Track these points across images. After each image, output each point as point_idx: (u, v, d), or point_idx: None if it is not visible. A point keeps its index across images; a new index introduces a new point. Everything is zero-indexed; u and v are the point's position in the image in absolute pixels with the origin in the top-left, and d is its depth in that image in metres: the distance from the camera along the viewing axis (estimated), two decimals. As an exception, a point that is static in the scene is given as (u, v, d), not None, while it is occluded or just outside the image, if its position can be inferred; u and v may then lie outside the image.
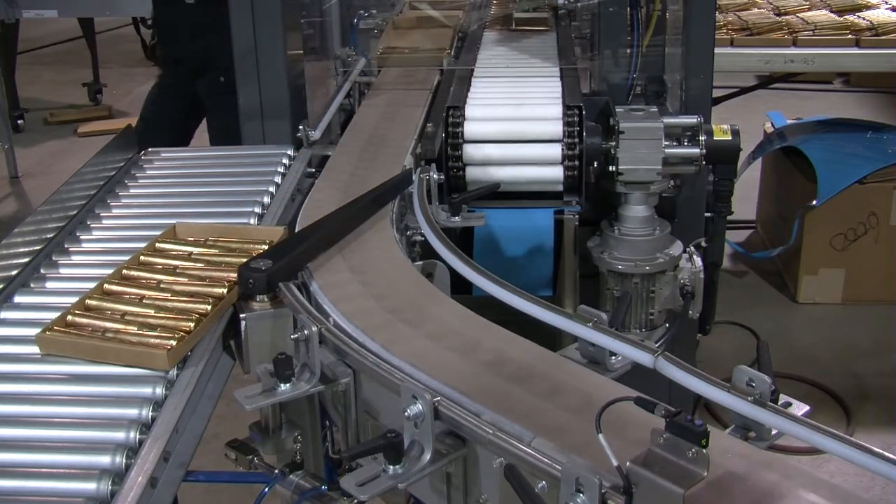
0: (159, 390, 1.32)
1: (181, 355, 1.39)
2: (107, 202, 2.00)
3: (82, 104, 6.77)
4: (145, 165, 2.20)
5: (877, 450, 0.98)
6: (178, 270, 1.61)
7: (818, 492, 0.97)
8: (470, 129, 2.15)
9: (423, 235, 1.74)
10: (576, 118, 2.11)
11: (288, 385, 1.29)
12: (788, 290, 3.95)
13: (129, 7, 6.35)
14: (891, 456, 0.97)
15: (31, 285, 1.67)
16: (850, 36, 3.53)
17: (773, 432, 1.12)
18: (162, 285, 1.56)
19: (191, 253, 1.68)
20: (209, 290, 1.53)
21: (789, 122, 4.29)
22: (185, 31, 3.77)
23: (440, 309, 1.41)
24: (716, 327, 2.63)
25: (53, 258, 1.75)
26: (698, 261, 2.15)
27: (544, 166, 2.13)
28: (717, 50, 2.39)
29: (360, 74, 2.76)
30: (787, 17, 3.74)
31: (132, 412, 1.28)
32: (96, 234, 1.88)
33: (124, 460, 1.19)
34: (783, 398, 1.13)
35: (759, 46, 3.52)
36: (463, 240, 2.04)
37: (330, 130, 2.47)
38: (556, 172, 2.12)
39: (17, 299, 1.62)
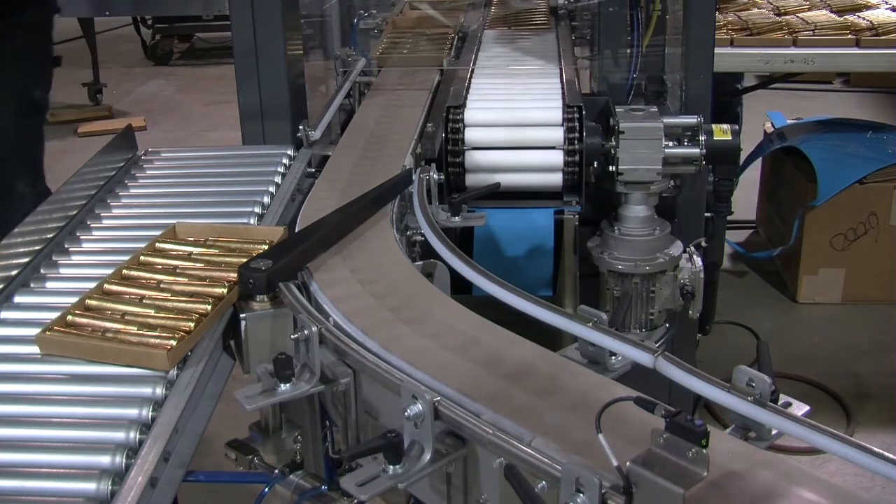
0: (159, 390, 1.32)
1: (181, 355, 1.39)
2: (107, 202, 2.00)
3: (82, 104, 6.77)
4: (145, 165, 2.20)
5: (877, 450, 0.98)
6: (178, 270, 1.61)
7: (818, 492, 0.97)
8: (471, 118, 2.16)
9: (423, 235, 1.74)
10: (575, 118, 2.11)
11: (288, 385, 1.29)
12: (788, 290, 3.95)
13: (129, 7, 6.39)
14: (891, 456, 0.97)
15: (31, 285, 1.67)
16: (850, 36, 3.53)
17: (773, 432, 1.12)
18: (162, 285, 1.56)
19: (191, 253, 1.68)
20: (209, 290, 1.53)
21: (789, 122, 4.30)
22: None
23: (440, 309, 1.41)
24: (716, 327, 2.63)
25: (53, 258, 1.75)
26: (698, 261, 2.15)
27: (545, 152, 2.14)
28: (717, 50, 2.38)
29: (360, 74, 2.76)
30: (787, 17, 3.73)
31: (132, 412, 1.28)
32: (96, 234, 1.88)
33: (124, 460, 1.19)
34: (783, 398, 1.13)
35: (759, 46, 3.52)
36: (463, 240, 2.04)
37: (330, 130, 2.47)
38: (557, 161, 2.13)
39: (17, 299, 1.62)
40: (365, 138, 2.19)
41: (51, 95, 3.14)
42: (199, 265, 1.63)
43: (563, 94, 2.26)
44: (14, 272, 1.66)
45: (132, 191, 2.08)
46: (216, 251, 1.69)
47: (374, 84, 2.68)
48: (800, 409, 1.13)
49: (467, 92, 2.32)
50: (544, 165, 2.14)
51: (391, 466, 1.10)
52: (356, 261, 1.57)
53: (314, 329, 1.27)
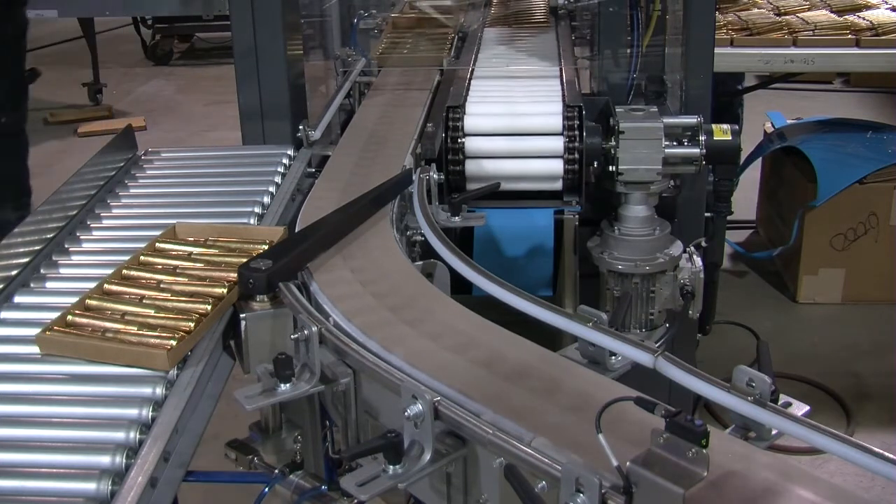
0: (159, 390, 1.32)
1: (181, 355, 1.39)
2: (107, 202, 2.00)
3: (82, 104, 6.77)
4: (145, 165, 2.20)
5: (877, 450, 0.98)
6: (178, 270, 1.61)
7: (818, 492, 0.97)
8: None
9: (423, 235, 1.74)
10: (575, 118, 2.11)
11: (288, 385, 1.29)
12: (788, 290, 3.95)
13: (129, 7, 6.39)
14: (891, 456, 0.97)
15: (31, 285, 1.66)
16: (850, 36, 3.53)
17: (773, 432, 1.12)
18: (162, 285, 1.56)
19: (191, 253, 1.68)
20: (209, 290, 1.53)
21: (789, 122, 4.30)
22: None
23: (440, 309, 1.41)
24: (716, 327, 2.62)
25: (53, 258, 1.75)
26: (698, 261, 2.15)
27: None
28: (717, 50, 2.39)
29: (360, 74, 2.76)
30: (787, 17, 3.74)
31: (132, 412, 1.28)
32: (96, 234, 1.88)
33: (124, 460, 1.19)
34: (783, 398, 1.13)
35: (759, 46, 3.52)
36: (463, 240, 2.04)
37: (330, 130, 2.47)
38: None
39: (17, 299, 1.62)
40: (365, 138, 2.18)
41: (26, 108, 3.11)
42: (199, 265, 1.63)
43: (563, 94, 2.26)
44: (14, 272, 1.66)
45: (132, 191, 2.08)
46: (216, 251, 1.69)
47: (374, 84, 2.68)
48: (800, 409, 1.13)
49: (467, 92, 2.32)
50: (544, 164, 2.14)
51: (391, 466, 1.10)
52: (356, 261, 1.57)
53: (314, 329, 1.27)
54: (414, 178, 1.90)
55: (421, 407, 1.10)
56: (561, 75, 2.45)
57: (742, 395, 1.09)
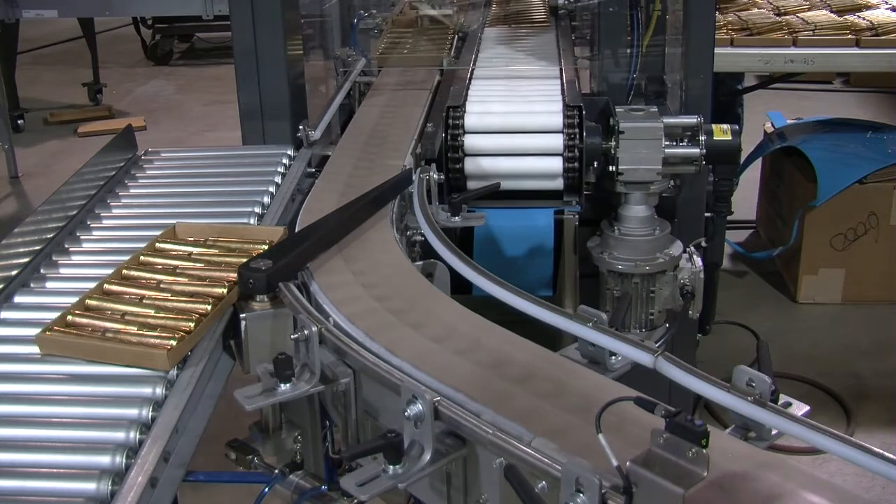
0: (159, 390, 1.32)
1: (181, 355, 1.39)
2: (107, 202, 2.00)
3: (82, 104, 6.78)
4: (145, 165, 2.20)
5: (877, 450, 0.98)
6: (178, 270, 1.61)
7: (818, 492, 0.97)
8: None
9: (423, 235, 1.74)
10: (575, 118, 2.11)
11: (288, 385, 1.29)
12: (788, 290, 3.95)
13: (129, 7, 6.39)
14: (891, 456, 0.97)
15: (31, 285, 1.67)
16: (850, 36, 3.54)
17: (773, 432, 1.12)
18: (162, 285, 1.56)
19: (191, 253, 1.68)
20: (209, 290, 1.53)
21: (789, 122, 4.30)
22: None
23: (440, 309, 1.41)
24: (716, 327, 2.62)
25: (53, 258, 1.75)
26: (698, 261, 2.15)
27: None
28: (717, 50, 2.39)
29: (360, 74, 2.76)
30: (787, 17, 3.74)
31: (132, 412, 1.28)
32: (96, 234, 1.88)
33: (124, 460, 1.19)
34: (783, 398, 1.14)
35: (759, 46, 3.53)
36: (463, 240, 2.04)
37: (330, 130, 2.47)
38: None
39: (17, 299, 1.62)
40: (365, 138, 2.18)
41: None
42: (199, 265, 1.63)
43: (562, 94, 2.26)
44: (14, 272, 1.66)
45: (132, 191, 2.08)
46: (216, 251, 1.69)
47: (374, 84, 2.68)
48: (800, 409, 1.13)
49: (467, 92, 2.31)
50: (544, 166, 2.14)
51: (391, 466, 1.10)
52: (356, 261, 1.57)
53: (314, 329, 1.27)
54: (414, 178, 1.90)
55: (421, 407, 1.10)
56: (561, 75, 2.45)
57: (742, 395, 1.09)
